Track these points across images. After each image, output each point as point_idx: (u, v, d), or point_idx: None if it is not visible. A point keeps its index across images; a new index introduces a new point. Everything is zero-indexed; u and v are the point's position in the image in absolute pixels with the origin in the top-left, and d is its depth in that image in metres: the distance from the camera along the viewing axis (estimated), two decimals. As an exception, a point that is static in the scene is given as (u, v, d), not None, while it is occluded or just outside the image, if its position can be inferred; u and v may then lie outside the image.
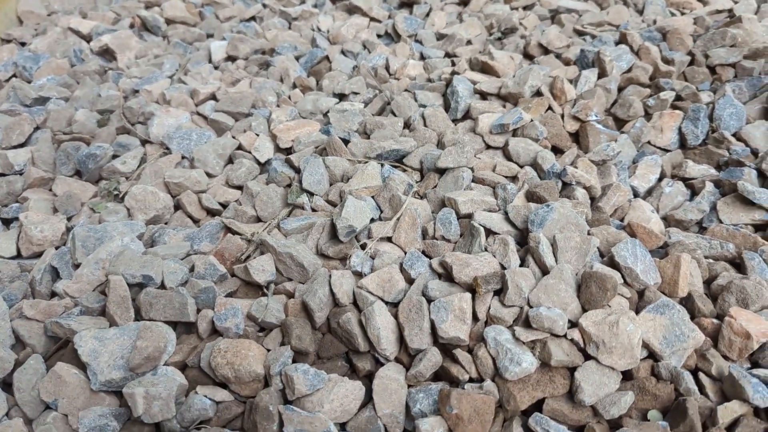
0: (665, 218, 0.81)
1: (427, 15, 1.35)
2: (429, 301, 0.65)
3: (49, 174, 0.98)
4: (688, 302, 0.66)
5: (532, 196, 0.77)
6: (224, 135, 1.01)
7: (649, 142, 0.93)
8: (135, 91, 1.15)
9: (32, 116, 1.09)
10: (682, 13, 1.22)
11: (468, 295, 0.64)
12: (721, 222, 0.78)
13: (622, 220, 0.80)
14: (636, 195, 0.86)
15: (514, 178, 0.84)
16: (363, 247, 0.75)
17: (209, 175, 0.94)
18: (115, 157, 0.99)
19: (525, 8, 1.32)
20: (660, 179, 0.87)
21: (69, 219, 0.91)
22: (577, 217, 0.72)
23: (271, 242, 0.73)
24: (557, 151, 0.91)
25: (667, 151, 0.93)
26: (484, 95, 0.99)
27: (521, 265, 0.69)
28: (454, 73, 1.05)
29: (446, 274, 0.69)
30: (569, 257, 0.68)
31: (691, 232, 0.79)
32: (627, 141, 0.90)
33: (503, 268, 0.68)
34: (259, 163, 0.95)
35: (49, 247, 0.84)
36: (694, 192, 0.85)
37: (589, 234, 0.72)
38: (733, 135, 0.91)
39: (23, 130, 1.06)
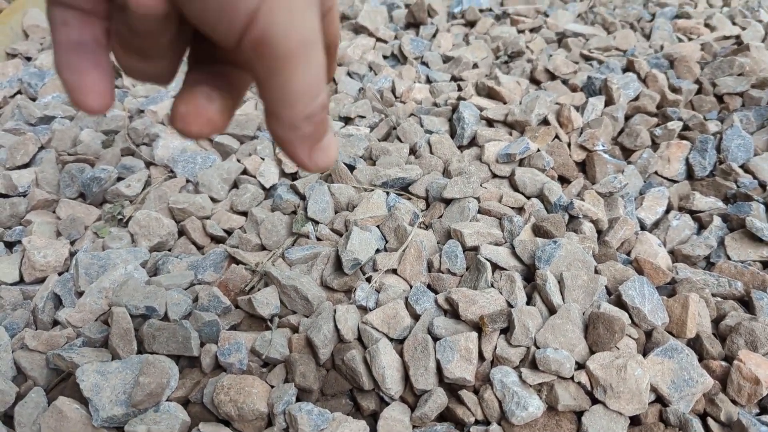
0: (672, 252, 0.81)
1: (434, 36, 1.34)
2: (435, 338, 0.65)
3: (53, 196, 0.98)
4: (696, 343, 0.66)
5: (538, 230, 0.76)
6: (229, 158, 1.01)
7: (656, 173, 0.93)
8: (140, 111, 1.15)
9: (37, 135, 1.09)
10: (690, 39, 1.22)
11: (474, 335, 0.64)
12: (729, 258, 0.78)
13: (628, 254, 0.80)
14: (643, 227, 0.85)
15: (520, 210, 0.83)
16: (368, 280, 0.74)
17: (214, 200, 0.94)
18: (119, 179, 0.99)
19: (532, 30, 1.32)
20: (667, 211, 0.87)
21: (72, 243, 0.90)
22: (585, 254, 0.71)
23: (276, 274, 0.73)
24: (564, 180, 0.91)
25: (674, 181, 0.92)
26: (490, 122, 0.99)
27: (528, 303, 0.69)
28: (460, 98, 1.05)
29: (452, 311, 0.68)
30: (576, 296, 0.67)
31: (699, 267, 0.79)
32: (634, 172, 0.90)
33: (510, 305, 0.68)
34: (263, 188, 0.95)
35: (52, 273, 0.83)
36: (701, 225, 0.84)
37: (596, 271, 0.72)
38: (741, 167, 0.90)
39: (27, 150, 1.05)
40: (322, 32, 0.26)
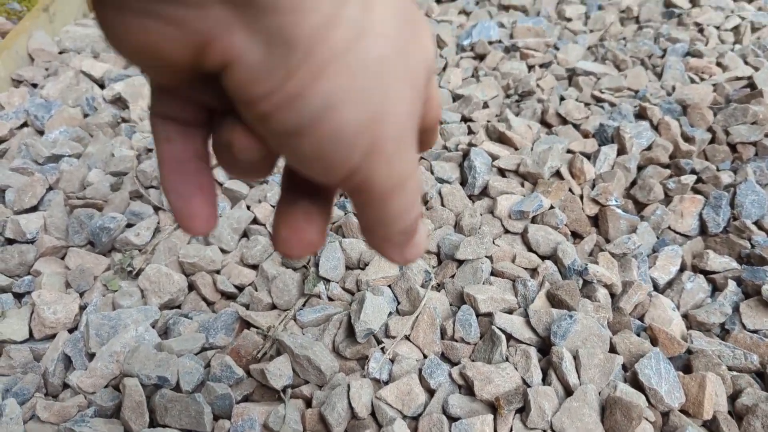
0: (686, 316, 0.80)
1: (444, 69, 1.34)
2: (450, 418, 0.65)
3: (61, 242, 0.97)
4: (713, 425, 0.65)
5: (553, 298, 0.76)
6: (238, 205, 1.00)
7: (669, 227, 0.92)
8: (148, 150, 1.14)
9: (44, 176, 1.08)
10: (702, 79, 1.21)
11: (490, 417, 0.63)
12: (744, 326, 0.77)
13: (641, 318, 0.79)
14: (656, 287, 0.85)
15: (534, 271, 0.83)
16: (382, 350, 0.74)
17: (223, 251, 0.93)
18: (129, 225, 0.99)
19: (542, 66, 1.31)
20: (681, 270, 0.86)
21: (81, 295, 0.90)
22: (600, 328, 0.71)
23: (288, 343, 0.72)
24: (576, 235, 0.91)
25: (687, 236, 0.92)
26: (502, 171, 0.98)
27: (543, 379, 0.68)
28: (471, 144, 1.04)
29: (467, 387, 0.68)
30: (592, 375, 0.67)
31: (713, 333, 0.78)
32: (647, 229, 0.89)
33: (525, 383, 0.67)
34: (274, 238, 0.94)
35: (62, 330, 0.83)
36: (715, 287, 0.84)
37: (611, 344, 0.71)
38: (755, 223, 0.90)
39: (35, 192, 1.05)
40: (425, 117, 0.26)
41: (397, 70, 0.21)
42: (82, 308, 0.87)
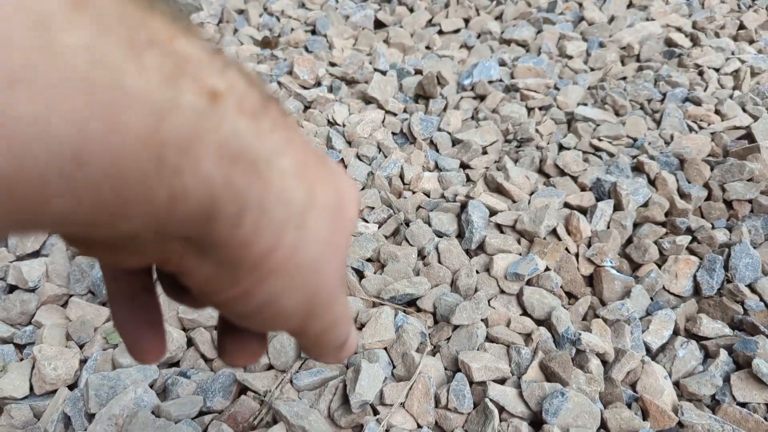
0: (677, 384, 0.81)
1: (444, 110, 1.34)
2: (441, 497, 0.66)
3: (63, 290, 0.99)
4: (699, 507, 0.67)
5: (546, 369, 0.77)
6: (238, 255, 1.01)
7: (663, 287, 0.93)
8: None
9: (47, 218, 1.09)
10: (700, 127, 1.21)
11: (480, 499, 0.65)
12: (734, 398, 0.78)
13: (633, 385, 0.80)
14: (648, 351, 0.86)
15: (528, 336, 0.84)
16: (378, 421, 0.75)
17: (222, 304, 0.94)
18: (128, 275, 1.00)
19: (541, 108, 1.32)
20: (674, 333, 0.87)
21: (82, 347, 0.91)
22: (591, 405, 0.72)
23: (284, 412, 0.74)
24: (571, 296, 0.92)
25: (681, 297, 0.93)
26: (500, 226, 1.00)
27: (534, 456, 0.69)
28: (468, 196, 1.05)
29: (459, 463, 0.69)
30: (582, 455, 0.68)
31: (704, 403, 0.79)
32: (641, 292, 0.90)
33: (516, 461, 0.69)
34: (272, 292, 0.95)
35: (62, 386, 0.84)
36: (707, 354, 0.85)
37: (602, 420, 0.73)
38: (748, 286, 0.91)
39: (38, 237, 1.06)
40: None
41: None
42: (83, 362, 0.88)
